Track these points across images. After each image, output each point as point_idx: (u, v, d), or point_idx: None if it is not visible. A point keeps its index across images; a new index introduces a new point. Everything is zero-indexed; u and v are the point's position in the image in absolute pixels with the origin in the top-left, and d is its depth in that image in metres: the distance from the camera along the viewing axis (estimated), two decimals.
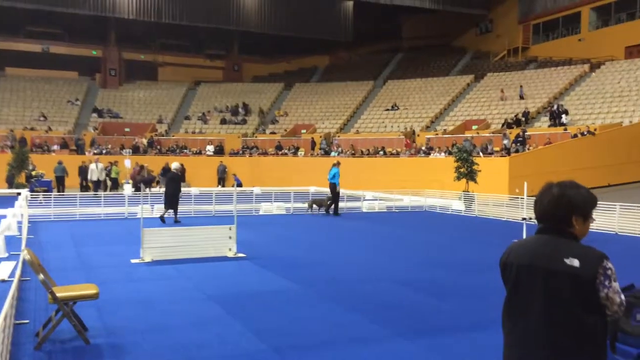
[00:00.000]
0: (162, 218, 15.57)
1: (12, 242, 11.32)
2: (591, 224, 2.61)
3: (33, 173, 24.07)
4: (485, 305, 7.14)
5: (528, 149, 26.04)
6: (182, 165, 27.61)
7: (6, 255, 10.17)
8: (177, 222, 15.50)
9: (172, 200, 15.52)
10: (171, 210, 15.69)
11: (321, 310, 6.91)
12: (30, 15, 40.27)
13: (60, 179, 25.88)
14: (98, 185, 26.26)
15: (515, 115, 31.39)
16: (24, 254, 6.09)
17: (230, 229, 10.71)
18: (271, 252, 11.24)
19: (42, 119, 37.36)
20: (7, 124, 35.94)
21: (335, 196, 18.49)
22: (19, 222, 13.38)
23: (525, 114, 31.28)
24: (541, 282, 2.47)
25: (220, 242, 10.65)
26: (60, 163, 26.31)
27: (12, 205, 15.60)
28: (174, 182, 15.67)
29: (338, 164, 18.51)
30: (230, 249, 10.61)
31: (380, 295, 7.68)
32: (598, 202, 2.64)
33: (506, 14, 42.95)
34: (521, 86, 34.24)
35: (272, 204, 19.43)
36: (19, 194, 19.29)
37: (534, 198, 2.69)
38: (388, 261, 10.36)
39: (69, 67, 43.78)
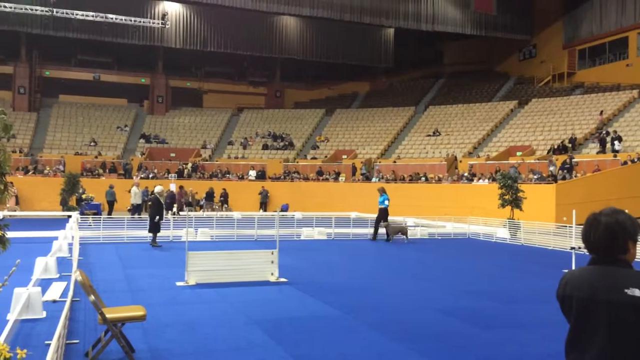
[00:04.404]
0: (154, 243, 15.74)
1: (63, 263, 11.69)
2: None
3: (83, 196, 24.86)
4: (533, 337, 6.93)
5: (575, 176, 25.38)
6: (177, 190, 27.71)
7: (57, 276, 10.50)
8: (155, 245, 15.64)
9: (154, 223, 15.66)
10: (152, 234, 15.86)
11: (364, 338, 6.85)
12: (81, 45, 42.19)
13: (110, 203, 26.54)
14: (137, 209, 25.15)
15: (562, 142, 30.71)
16: (76, 275, 6.28)
17: (272, 254, 10.77)
18: (313, 277, 11.24)
19: (92, 144, 38.78)
20: (60, 149, 37.48)
21: (377, 220, 18.75)
22: (70, 244, 13.81)
23: (572, 140, 30.57)
24: (604, 315, 2.48)
25: (263, 266, 10.72)
26: (111, 187, 26.97)
27: (64, 228, 16.14)
28: (155, 206, 15.74)
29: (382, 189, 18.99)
30: (272, 274, 10.67)
31: (424, 325, 7.56)
32: None
33: (550, 39, 42.40)
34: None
35: (313, 229, 19.46)
36: (69, 216, 19.95)
37: (582, 230, 2.70)
38: (431, 289, 10.20)
39: (118, 94, 45.45)
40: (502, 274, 12.46)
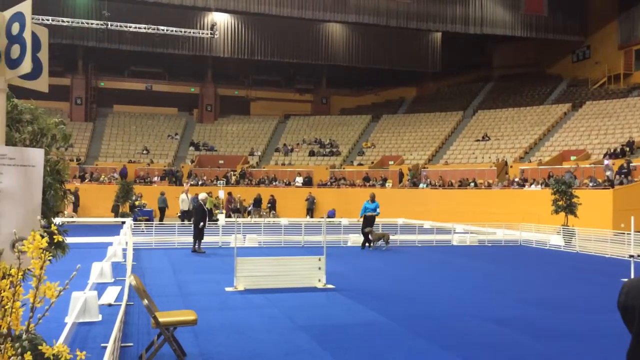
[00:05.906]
0: (195, 249, 15.99)
1: (117, 268, 12.06)
2: None
3: (136, 203, 25.59)
4: (592, 349, 6.67)
5: (634, 181, 24.36)
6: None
7: (112, 280, 10.84)
8: (200, 252, 15.90)
9: (198, 230, 15.90)
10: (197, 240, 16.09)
11: (413, 346, 6.76)
12: (134, 57, 43.62)
13: (161, 210, 27.21)
14: (186, 215, 25.04)
15: (621, 145, 29.52)
16: (130, 280, 6.46)
17: (319, 260, 10.79)
18: (360, 284, 11.18)
19: (145, 152, 39.95)
20: (114, 157, 38.80)
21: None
22: (124, 249, 14.23)
23: (630, 143, 29.36)
24: None
25: (310, 272, 10.75)
26: (162, 194, 27.65)
27: (118, 234, 16.66)
28: (198, 213, 15.94)
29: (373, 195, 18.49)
30: (319, 280, 10.68)
31: (476, 334, 7.39)
32: None
33: (605, 40, 40.91)
34: None
35: (360, 236, 19.35)
36: (123, 222, 20.59)
37: None
38: (482, 297, 9.97)
39: (169, 103, 46.72)
40: (557, 282, 12.05)
